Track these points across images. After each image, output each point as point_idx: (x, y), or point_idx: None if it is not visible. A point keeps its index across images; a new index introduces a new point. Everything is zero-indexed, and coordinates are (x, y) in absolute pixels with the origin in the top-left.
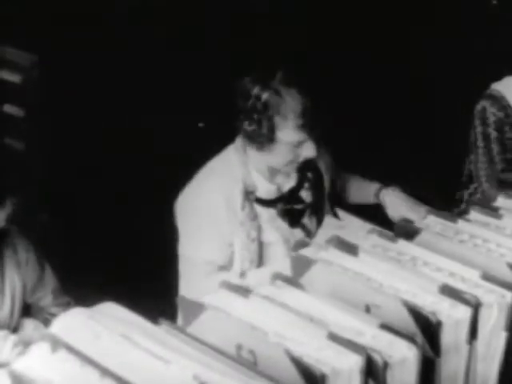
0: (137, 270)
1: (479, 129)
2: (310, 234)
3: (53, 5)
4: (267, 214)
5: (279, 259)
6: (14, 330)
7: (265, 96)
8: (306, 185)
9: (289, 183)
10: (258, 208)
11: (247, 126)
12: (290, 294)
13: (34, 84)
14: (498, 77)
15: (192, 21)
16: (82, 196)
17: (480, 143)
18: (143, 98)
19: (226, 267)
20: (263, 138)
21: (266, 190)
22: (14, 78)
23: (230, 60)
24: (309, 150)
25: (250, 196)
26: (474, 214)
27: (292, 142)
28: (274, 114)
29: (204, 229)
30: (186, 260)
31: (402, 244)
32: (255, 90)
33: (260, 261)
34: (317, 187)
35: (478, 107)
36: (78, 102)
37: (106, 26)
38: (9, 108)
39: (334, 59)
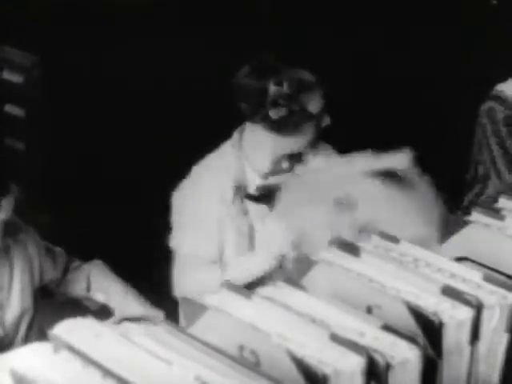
0: (139, 270)
1: (489, 127)
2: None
3: (54, 4)
4: (258, 210)
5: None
6: (30, 327)
7: (285, 80)
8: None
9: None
10: (250, 204)
11: (275, 115)
12: (291, 295)
13: (35, 84)
14: (499, 77)
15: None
16: (83, 196)
17: (492, 141)
18: (143, 98)
19: (216, 261)
20: (297, 119)
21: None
22: (15, 78)
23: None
24: (326, 118)
25: (239, 191)
26: (475, 215)
27: (319, 112)
28: (303, 91)
29: (196, 223)
30: (175, 252)
31: (405, 245)
32: (272, 79)
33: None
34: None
35: (485, 107)
36: (79, 102)
37: (107, 26)
38: (10, 108)
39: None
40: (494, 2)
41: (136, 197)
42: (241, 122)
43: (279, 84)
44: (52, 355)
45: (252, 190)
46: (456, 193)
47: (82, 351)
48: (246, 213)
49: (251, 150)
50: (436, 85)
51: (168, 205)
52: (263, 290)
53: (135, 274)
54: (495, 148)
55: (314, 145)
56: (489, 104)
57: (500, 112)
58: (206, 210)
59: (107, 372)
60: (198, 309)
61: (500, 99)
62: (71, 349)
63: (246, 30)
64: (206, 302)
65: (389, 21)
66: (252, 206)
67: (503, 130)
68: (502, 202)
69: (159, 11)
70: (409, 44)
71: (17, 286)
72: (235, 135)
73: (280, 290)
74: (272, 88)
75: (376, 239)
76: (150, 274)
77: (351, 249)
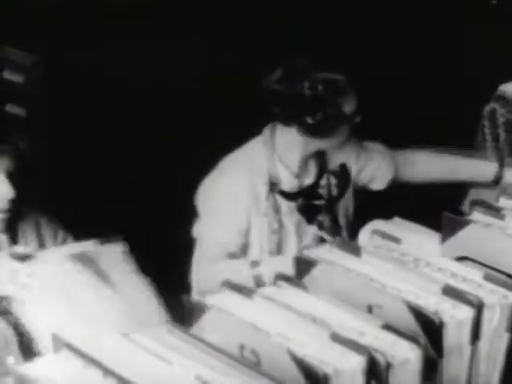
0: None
1: (488, 130)
2: (325, 230)
3: (54, 4)
4: (286, 208)
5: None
6: None
7: (320, 84)
8: (328, 181)
9: (309, 179)
10: (282, 202)
11: (311, 120)
12: (292, 295)
13: (35, 84)
14: (500, 77)
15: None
16: (84, 197)
17: (489, 144)
18: (144, 98)
19: (235, 255)
20: (333, 123)
21: (289, 183)
22: (15, 77)
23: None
24: (358, 118)
25: (274, 188)
26: (476, 215)
27: (353, 112)
28: (337, 94)
29: (222, 212)
30: (199, 240)
31: (406, 245)
32: (303, 83)
33: (278, 253)
34: (342, 183)
35: (487, 109)
36: (79, 101)
37: (107, 26)
38: (11, 108)
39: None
40: (494, 1)
41: (136, 197)
42: (261, 122)
43: (314, 88)
44: (52, 354)
45: (284, 186)
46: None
47: (83, 351)
48: (277, 210)
49: (283, 150)
50: (436, 85)
51: (169, 206)
52: (264, 290)
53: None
54: (493, 153)
55: (344, 143)
56: (491, 105)
57: (501, 115)
58: (235, 203)
59: (108, 371)
60: (200, 309)
61: (503, 100)
62: (71, 348)
63: (249, 30)
64: (208, 302)
65: (388, 20)
66: (284, 204)
67: (502, 134)
68: (503, 202)
69: (159, 11)
70: (409, 44)
71: None
72: (266, 133)
73: (281, 290)
74: (307, 93)
75: (377, 239)
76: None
77: (352, 249)
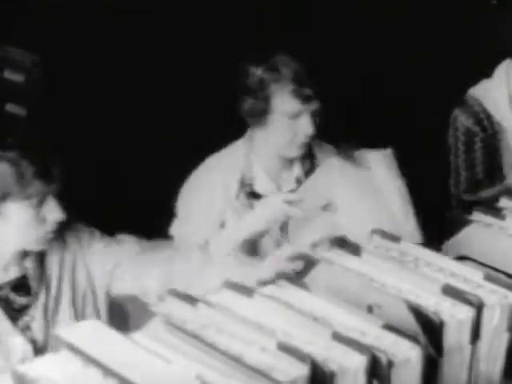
0: None
1: (451, 140)
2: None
3: (54, 4)
4: None
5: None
6: None
7: (259, 71)
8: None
9: (288, 183)
10: (255, 202)
11: (245, 104)
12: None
13: (35, 83)
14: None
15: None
16: (84, 197)
17: (451, 157)
18: (144, 97)
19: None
20: (260, 110)
21: (265, 186)
22: (15, 77)
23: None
24: (306, 126)
25: (245, 188)
26: (476, 215)
27: (287, 110)
28: (270, 83)
29: (196, 213)
30: (176, 240)
31: (405, 245)
32: (252, 69)
33: (253, 254)
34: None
35: (452, 115)
36: (79, 101)
37: (108, 26)
38: (11, 107)
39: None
40: (494, 1)
41: (136, 196)
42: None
43: (253, 74)
44: (53, 354)
45: (259, 188)
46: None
47: (83, 350)
48: (251, 208)
49: (261, 152)
50: (435, 85)
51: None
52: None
53: None
54: (453, 161)
55: (309, 148)
56: (455, 112)
57: (461, 124)
58: (209, 202)
59: (108, 371)
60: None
61: (465, 106)
62: (72, 348)
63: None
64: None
65: (388, 21)
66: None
67: (460, 148)
68: (504, 202)
69: (159, 11)
70: (408, 44)
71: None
72: (248, 132)
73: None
74: (244, 77)
75: (377, 239)
76: None
77: (352, 248)
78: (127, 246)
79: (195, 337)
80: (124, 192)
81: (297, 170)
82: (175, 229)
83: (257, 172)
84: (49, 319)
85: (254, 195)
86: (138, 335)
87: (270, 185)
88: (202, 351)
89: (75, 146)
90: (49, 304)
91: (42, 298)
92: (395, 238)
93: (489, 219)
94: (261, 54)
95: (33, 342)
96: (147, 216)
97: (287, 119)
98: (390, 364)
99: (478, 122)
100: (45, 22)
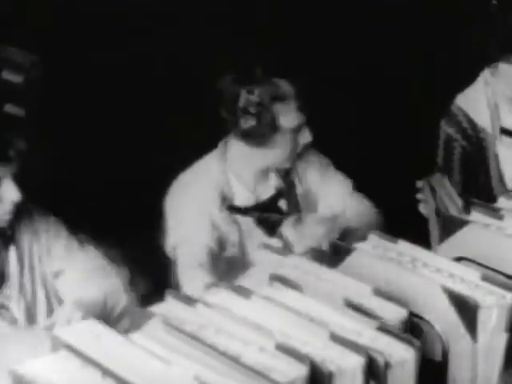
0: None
1: (440, 150)
2: (288, 244)
3: (54, 4)
4: (245, 223)
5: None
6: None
7: (258, 88)
8: (284, 194)
9: (267, 193)
10: (238, 216)
11: (244, 124)
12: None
13: (34, 84)
14: None
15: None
16: (84, 197)
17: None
18: (144, 97)
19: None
20: (266, 130)
21: (244, 198)
22: (15, 77)
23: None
24: (306, 135)
25: (225, 203)
26: (474, 215)
27: (294, 126)
28: (275, 102)
29: (189, 215)
30: (173, 256)
31: (403, 245)
32: (245, 86)
33: (242, 265)
34: (290, 197)
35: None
36: (79, 102)
37: (107, 26)
38: (10, 108)
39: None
40: (494, 1)
41: (136, 196)
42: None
43: (251, 92)
44: (51, 355)
45: (239, 201)
46: None
47: (82, 351)
48: (234, 222)
49: (235, 163)
50: (435, 85)
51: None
52: None
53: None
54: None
55: (296, 160)
56: (441, 123)
57: (443, 132)
58: (199, 204)
59: (106, 372)
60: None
61: (448, 114)
62: (70, 348)
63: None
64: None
65: (387, 20)
66: (242, 218)
67: (439, 162)
68: (501, 202)
69: (159, 11)
70: (408, 44)
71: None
72: (220, 147)
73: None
74: (243, 95)
75: (374, 239)
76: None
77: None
78: (87, 256)
79: (194, 337)
80: (124, 192)
81: (273, 177)
82: (169, 245)
83: (235, 186)
84: (28, 299)
85: (235, 209)
86: (136, 336)
87: (249, 196)
88: (200, 352)
89: (75, 146)
90: (24, 283)
91: (14, 276)
92: (393, 239)
93: (486, 219)
94: (240, 68)
95: (13, 321)
96: (147, 216)
97: (291, 134)
98: (387, 365)
99: (462, 130)
100: (45, 22)
